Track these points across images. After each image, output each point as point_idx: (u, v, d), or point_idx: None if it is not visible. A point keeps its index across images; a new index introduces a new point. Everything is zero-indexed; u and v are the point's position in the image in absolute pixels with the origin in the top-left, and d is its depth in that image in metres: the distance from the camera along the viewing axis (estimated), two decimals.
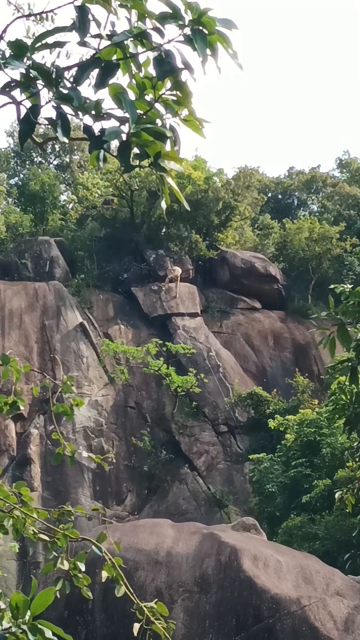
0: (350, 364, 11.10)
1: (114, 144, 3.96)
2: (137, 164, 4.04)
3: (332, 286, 11.23)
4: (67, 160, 56.96)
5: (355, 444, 15.29)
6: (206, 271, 47.76)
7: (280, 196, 62.08)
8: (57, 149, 57.09)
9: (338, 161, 64.98)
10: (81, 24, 3.84)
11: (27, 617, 4.07)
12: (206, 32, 3.91)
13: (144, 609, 5.23)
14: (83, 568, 5.48)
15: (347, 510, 15.52)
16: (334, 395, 28.48)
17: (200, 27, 3.92)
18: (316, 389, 40.83)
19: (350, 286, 10.99)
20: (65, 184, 55.36)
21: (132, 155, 3.94)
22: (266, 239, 53.14)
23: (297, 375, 41.55)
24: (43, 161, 56.57)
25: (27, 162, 56.73)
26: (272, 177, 62.89)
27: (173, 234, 47.42)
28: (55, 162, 57.62)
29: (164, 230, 48.62)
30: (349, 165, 63.65)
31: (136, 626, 5.21)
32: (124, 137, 3.93)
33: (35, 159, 57.02)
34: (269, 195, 60.48)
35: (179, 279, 44.40)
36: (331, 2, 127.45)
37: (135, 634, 5.20)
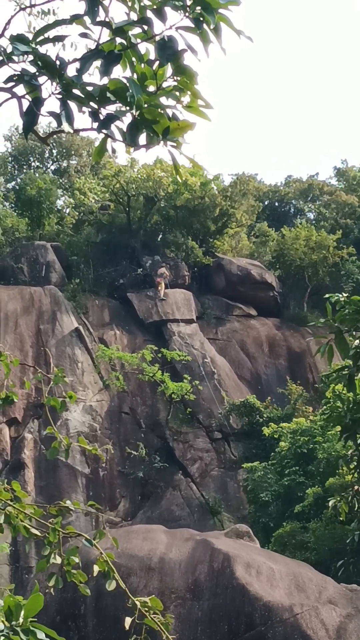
0: (347, 371, 11.04)
1: (117, 134, 3.92)
2: (146, 143, 3.99)
3: (327, 295, 11.16)
4: (65, 165, 57.00)
5: (350, 451, 15.23)
6: (202, 278, 47.70)
7: (277, 204, 62.06)
8: (55, 154, 57.14)
9: (335, 170, 64.96)
10: (91, 8, 3.78)
11: (20, 620, 4.05)
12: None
13: (137, 603, 5.19)
14: (77, 560, 5.43)
15: (341, 519, 15.47)
16: (329, 403, 28.43)
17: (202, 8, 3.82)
18: (311, 397, 40.74)
19: (345, 295, 10.93)
20: (62, 189, 55.34)
21: (139, 136, 3.87)
22: (263, 246, 53.09)
23: (290, 384, 41.50)
24: (40, 166, 56.58)
25: (24, 167, 56.72)
26: (270, 184, 62.94)
27: (169, 240, 47.40)
28: (52, 167, 57.66)
29: (160, 236, 48.63)
30: (346, 173, 63.60)
31: (128, 620, 5.16)
32: (130, 117, 3.88)
33: (33, 164, 57.03)
34: (266, 202, 60.49)
35: (163, 280, 44.19)
36: (331, 13, 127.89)
37: (127, 627, 5.15)
